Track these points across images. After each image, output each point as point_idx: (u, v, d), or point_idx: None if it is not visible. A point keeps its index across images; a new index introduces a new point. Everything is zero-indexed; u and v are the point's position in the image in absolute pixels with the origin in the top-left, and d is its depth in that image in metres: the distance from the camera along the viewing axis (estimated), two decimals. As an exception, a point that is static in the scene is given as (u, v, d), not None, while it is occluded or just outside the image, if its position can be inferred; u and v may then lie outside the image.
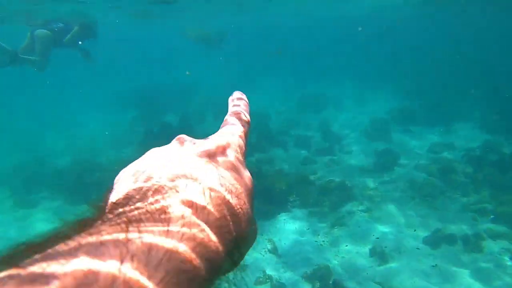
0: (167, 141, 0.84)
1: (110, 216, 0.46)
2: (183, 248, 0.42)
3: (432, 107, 17.07)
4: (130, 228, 0.42)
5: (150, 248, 0.40)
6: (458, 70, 22.32)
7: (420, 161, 11.81)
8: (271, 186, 9.24)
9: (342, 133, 15.58)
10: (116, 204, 0.50)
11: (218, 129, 0.85)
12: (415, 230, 7.93)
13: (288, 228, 8.36)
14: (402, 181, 10.34)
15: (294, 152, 13.40)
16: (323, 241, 7.84)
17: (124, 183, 0.59)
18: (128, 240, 0.40)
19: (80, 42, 10.06)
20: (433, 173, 10.53)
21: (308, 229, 8.28)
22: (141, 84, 26.53)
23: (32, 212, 10.35)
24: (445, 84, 20.78)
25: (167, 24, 31.56)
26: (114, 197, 0.55)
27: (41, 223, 9.60)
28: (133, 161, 0.72)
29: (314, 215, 8.93)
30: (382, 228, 8.12)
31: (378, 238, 7.86)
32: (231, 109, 0.92)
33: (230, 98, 0.98)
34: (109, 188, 0.61)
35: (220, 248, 0.47)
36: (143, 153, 0.77)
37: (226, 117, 0.88)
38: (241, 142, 0.80)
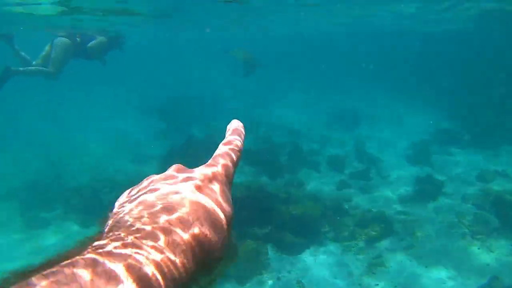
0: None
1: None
2: (149, 268, 0.53)
3: (478, 127, 15.89)
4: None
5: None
6: (508, 87, 20.94)
7: (467, 190, 10.76)
8: (301, 214, 8.48)
9: (379, 154, 14.63)
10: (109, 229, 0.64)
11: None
12: (469, 279, 6.96)
13: (319, 267, 7.55)
14: (448, 213, 9.35)
15: (327, 175, 12.58)
16: (359, 284, 6.99)
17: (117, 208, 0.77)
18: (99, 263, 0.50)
19: (104, 54, 9.82)
20: (484, 206, 9.49)
21: (341, 269, 7.45)
22: (168, 95, 26.38)
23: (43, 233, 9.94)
24: (492, 102, 19.48)
25: (196, 35, 31.65)
26: (110, 221, 0.70)
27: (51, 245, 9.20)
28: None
29: (348, 250, 8.10)
30: (428, 274, 7.18)
31: None
32: (226, 137, 1.08)
33: (228, 126, 1.15)
34: (110, 209, 0.79)
35: (184, 274, 0.57)
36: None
37: (220, 145, 1.05)
38: (230, 171, 0.95)
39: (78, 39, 9.21)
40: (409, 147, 15.41)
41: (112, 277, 0.48)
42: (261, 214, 8.57)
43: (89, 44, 9.23)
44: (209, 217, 0.70)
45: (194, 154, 14.66)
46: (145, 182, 0.85)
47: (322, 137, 17.51)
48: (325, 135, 17.83)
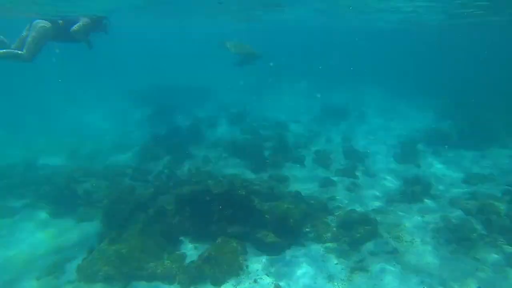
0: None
1: None
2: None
3: (466, 127, 15.72)
4: None
5: None
6: (499, 88, 20.87)
7: (454, 194, 10.57)
8: (283, 213, 8.15)
9: (367, 150, 14.38)
10: None
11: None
12: (453, 289, 6.72)
13: (299, 270, 7.24)
14: (434, 217, 9.12)
15: (312, 171, 12.29)
16: (340, 290, 6.72)
17: None
18: None
19: (89, 35, 9.31)
20: (471, 211, 9.28)
21: (322, 273, 7.15)
22: (155, 83, 25.73)
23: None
24: (480, 103, 19.37)
25: (186, 24, 30.82)
26: None
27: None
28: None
29: (331, 252, 7.82)
30: (413, 281, 6.92)
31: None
32: None
33: None
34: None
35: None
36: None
37: None
38: None
39: (60, 21, 8.66)
40: (397, 146, 15.18)
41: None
42: (242, 212, 8.22)
43: (73, 28, 8.69)
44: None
45: (177, 143, 14.24)
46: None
47: (311, 132, 17.19)
48: (313, 129, 17.52)
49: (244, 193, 8.73)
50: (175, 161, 12.85)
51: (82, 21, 8.83)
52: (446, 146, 14.89)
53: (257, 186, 9.54)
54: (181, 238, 8.22)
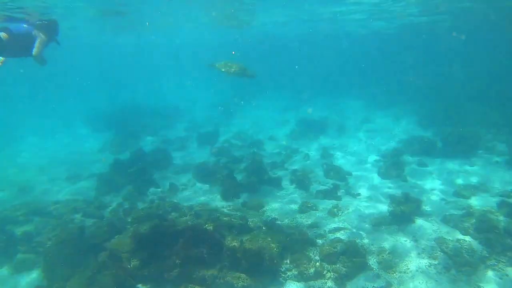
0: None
1: None
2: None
3: (450, 135, 15.18)
4: None
5: None
6: (480, 93, 20.62)
7: (447, 209, 9.82)
8: (258, 249, 7.17)
9: (348, 167, 13.60)
10: None
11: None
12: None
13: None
14: (429, 240, 8.31)
15: (290, 194, 11.37)
16: None
17: None
18: None
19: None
20: (468, 230, 8.53)
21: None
22: (119, 104, 24.60)
23: None
24: (465, 109, 19.03)
25: (148, 40, 29.91)
26: None
27: None
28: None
29: (314, 292, 6.87)
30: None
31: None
32: None
33: None
34: None
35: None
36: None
37: None
38: None
39: (2, 34, 7.47)
40: (381, 159, 14.50)
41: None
42: (210, 251, 7.21)
43: (34, 52, 7.58)
44: None
45: (141, 170, 13.14)
46: None
47: (287, 149, 16.37)
48: (289, 146, 16.70)
49: (211, 228, 7.76)
50: (137, 191, 11.75)
51: (39, 40, 7.72)
52: (432, 156, 14.32)
53: (228, 218, 8.58)
54: (138, 287, 7.12)
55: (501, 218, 9.03)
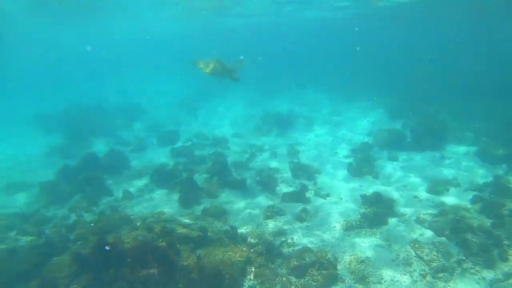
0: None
1: None
2: None
3: (421, 126, 14.95)
4: None
5: None
6: (449, 81, 20.65)
7: (420, 208, 9.42)
8: (216, 269, 6.46)
9: (317, 165, 13.07)
10: None
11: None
12: None
13: None
14: (403, 245, 7.85)
15: (255, 197, 10.69)
16: None
17: None
18: None
19: None
20: (443, 230, 8.12)
21: None
22: (73, 103, 23.12)
23: None
24: (434, 98, 18.95)
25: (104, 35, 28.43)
26: None
27: None
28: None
29: (281, 311, 6.24)
30: None
31: None
32: None
33: None
34: None
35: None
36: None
37: None
38: None
39: None
40: (350, 154, 14.08)
41: None
42: (163, 272, 6.44)
43: None
44: None
45: (92, 176, 12.13)
46: None
47: (252, 147, 15.69)
48: (255, 144, 16.03)
49: (164, 243, 6.98)
50: (86, 200, 10.76)
51: None
52: (402, 149, 14.02)
53: (185, 229, 7.83)
54: (79, 318, 6.28)
55: (475, 215, 8.71)
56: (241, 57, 10.68)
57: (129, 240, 7.17)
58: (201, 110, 23.81)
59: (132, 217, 9.07)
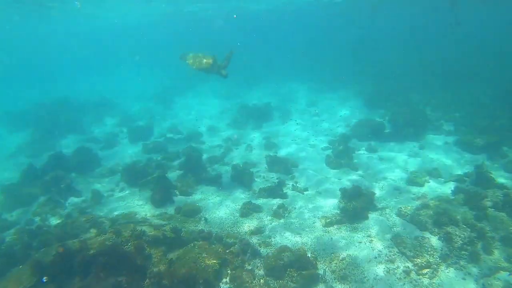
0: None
1: None
2: None
3: (398, 115, 14.82)
4: None
5: None
6: (427, 73, 20.63)
7: (402, 200, 9.24)
8: (189, 274, 6.08)
9: (294, 158, 12.77)
10: None
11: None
12: None
13: None
14: (385, 240, 7.62)
15: (231, 193, 10.31)
16: None
17: None
18: None
19: None
20: (426, 224, 7.92)
21: None
22: (41, 100, 22.17)
23: None
24: (410, 86, 18.89)
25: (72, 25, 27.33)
26: None
27: None
28: None
29: (259, 316, 5.92)
30: None
31: None
32: None
33: None
34: None
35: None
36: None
37: None
38: None
39: None
40: (328, 146, 13.83)
41: None
42: (130, 279, 6.02)
43: None
44: None
45: (59, 176, 11.53)
46: None
47: (228, 140, 15.28)
48: (231, 137, 15.62)
49: (133, 248, 6.56)
50: (52, 203, 10.18)
51: None
52: (381, 140, 13.87)
53: (156, 231, 7.41)
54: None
55: (458, 207, 8.55)
56: (231, 50, 10.26)
57: (95, 245, 6.72)
58: (176, 104, 23.25)
59: (100, 219, 8.59)
